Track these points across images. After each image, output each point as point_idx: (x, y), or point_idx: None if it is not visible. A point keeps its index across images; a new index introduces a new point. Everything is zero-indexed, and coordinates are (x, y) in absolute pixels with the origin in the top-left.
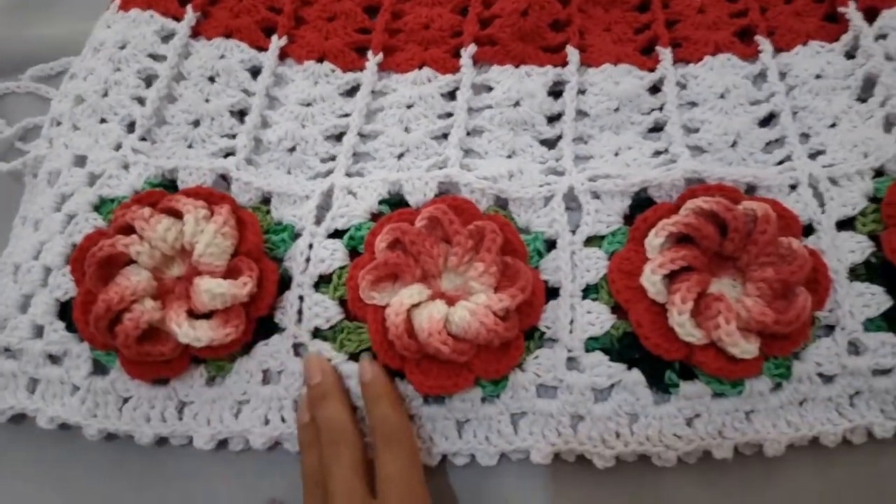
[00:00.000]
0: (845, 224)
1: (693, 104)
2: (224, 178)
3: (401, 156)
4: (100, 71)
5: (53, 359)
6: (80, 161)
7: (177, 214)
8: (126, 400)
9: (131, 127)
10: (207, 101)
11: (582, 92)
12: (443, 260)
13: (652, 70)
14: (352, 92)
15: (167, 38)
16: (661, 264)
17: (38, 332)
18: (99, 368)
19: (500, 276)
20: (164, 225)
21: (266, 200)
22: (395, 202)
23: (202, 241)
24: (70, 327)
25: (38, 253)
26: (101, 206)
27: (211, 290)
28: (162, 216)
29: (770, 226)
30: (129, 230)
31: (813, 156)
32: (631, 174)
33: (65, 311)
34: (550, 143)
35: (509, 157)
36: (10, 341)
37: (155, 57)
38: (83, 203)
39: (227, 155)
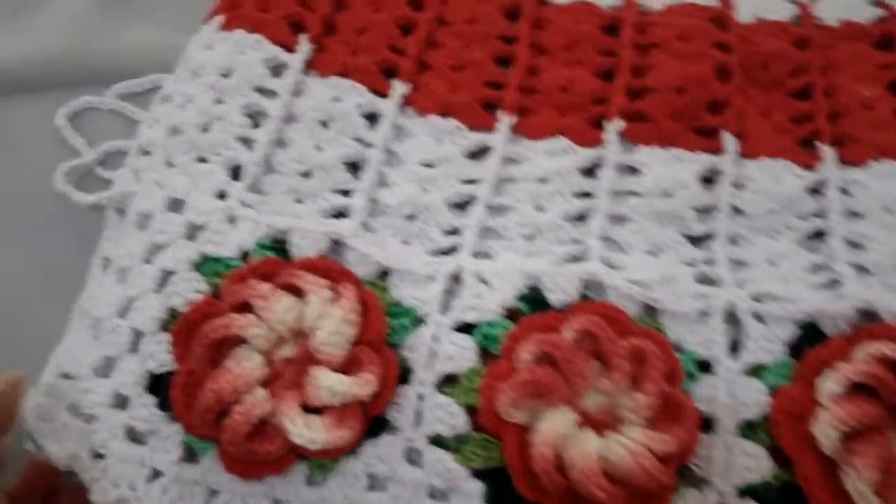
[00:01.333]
0: None
1: (857, 215)
2: (336, 241)
3: (531, 237)
4: (200, 101)
5: (134, 435)
6: (176, 205)
7: (296, 291)
8: (215, 493)
9: (234, 172)
10: (320, 149)
11: (737, 186)
12: (594, 380)
13: (812, 168)
14: (478, 154)
15: (277, 69)
16: (843, 420)
17: (120, 402)
18: (189, 454)
19: (658, 408)
20: (284, 305)
21: (383, 274)
22: (534, 299)
23: (325, 329)
24: (162, 404)
25: (124, 309)
26: (202, 264)
27: (332, 387)
28: (282, 294)
29: None
30: (244, 307)
31: None
32: (799, 298)
33: (157, 384)
34: (699, 241)
35: (653, 253)
36: (80, 401)
37: (263, 92)
38: (183, 261)
39: (338, 214)
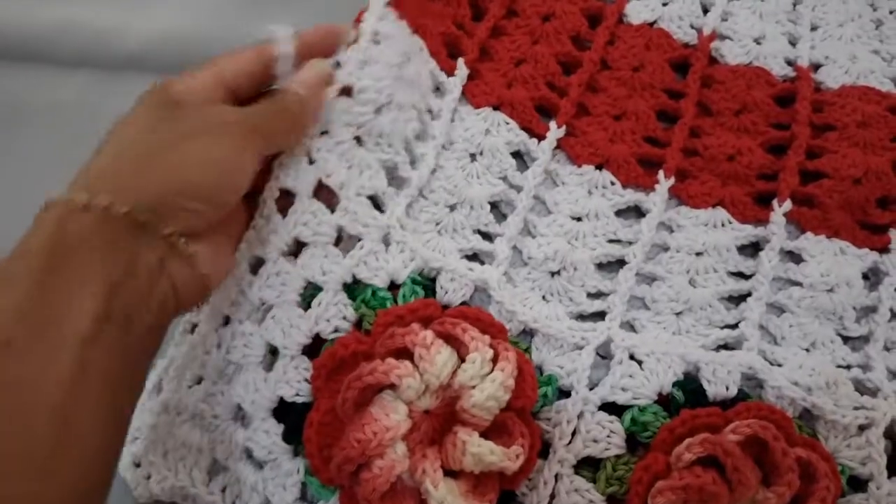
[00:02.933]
0: None
1: None
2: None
3: (681, 314)
4: (380, 72)
5: (252, 457)
6: (327, 196)
7: (454, 341)
8: None
9: (390, 174)
10: (468, 183)
11: None
12: (757, 491)
13: None
14: (629, 213)
15: (439, 89)
16: None
17: (242, 418)
18: (304, 495)
19: None
20: (443, 357)
21: (524, 332)
22: (691, 388)
23: (483, 392)
24: (288, 436)
25: (256, 312)
26: (352, 287)
27: (480, 455)
28: (441, 344)
29: None
30: (401, 353)
31: None
32: None
33: (285, 411)
34: (853, 342)
35: (809, 348)
36: (204, 409)
37: (427, 108)
38: (335, 280)
39: (475, 255)
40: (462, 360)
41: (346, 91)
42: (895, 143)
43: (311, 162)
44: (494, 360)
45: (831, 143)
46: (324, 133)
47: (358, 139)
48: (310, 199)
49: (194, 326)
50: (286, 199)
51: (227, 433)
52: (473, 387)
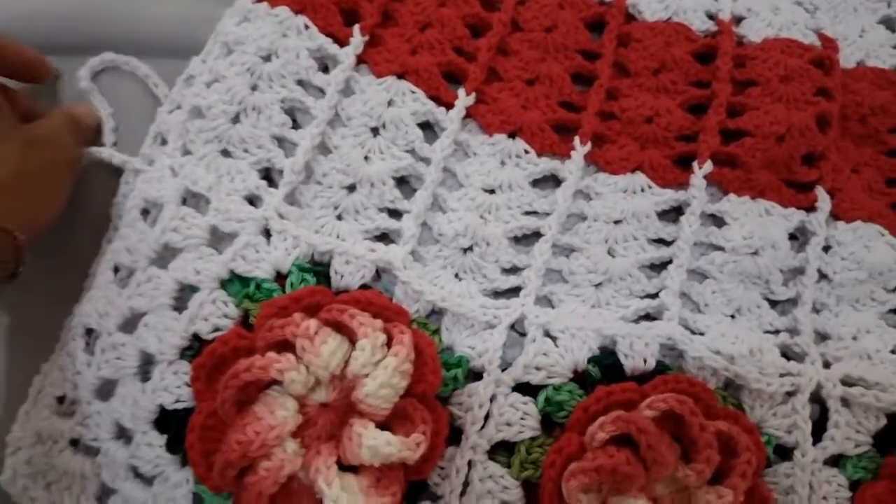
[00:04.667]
0: None
1: None
2: (378, 270)
3: (600, 285)
4: (231, 83)
5: (139, 474)
6: (195, 201)
7: (343, 329)
8: None
9: (266, 175)
10: (367, 159)
11: (826, 249)
12: (675, 468)
13: None
14: (545, 182)
15: (325, 63)
16: None
17: (124, 434)
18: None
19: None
20: (329, 347)
21: (433, 312)
22: (608, 363)
23: (375, 380)
24: (172, 445)
25: (127, 322)
26: (230, 282)
27: (376, 447)
28: (327, 333)
29: None
30: (282, 345)
31: None
32: (890, 385)
33: (166, 421)
34: (780, 306)
35: (733, 315)
36: (83, 434)
37: (306, 86)
38: (210, 277)
39: (383, 235)
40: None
41: (197, 111)
42: (819, 97)
43: (175, 175)
44: (390, 346)
45: (753, 99)
46: (187, 153)
47: (224, 151)
48: (178, 205)
49: None
50: (153, 211)
51: (110, 454)
52: (366, 375)
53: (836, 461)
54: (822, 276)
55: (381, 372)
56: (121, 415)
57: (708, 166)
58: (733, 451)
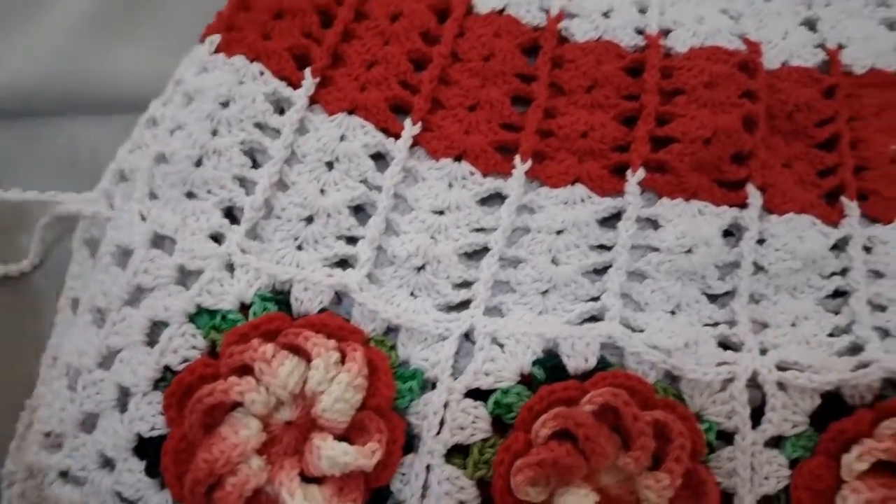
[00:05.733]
0: None
1: (880, 275)
2: (339, 293)
3: (546, 292)
4: (193, 129)
5: (124, 499)
6: (163, 243)
7: (301, 352)
8: None
9: (228, 214)
10: (323, 192)
11: (759, 242)
12: (615, 458)
13: (836, 225)
14: (491, 200)
15: (280, 105)
16: (871, 501)
17: (108, 463)
18: None
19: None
20: (286, 368)
21: (390, 330)
22: (552, 364)
23: (330, 395)
24: (151, 470)
25: (105, 359)
26: (198, 316)
27: (334, 457)
28: (285, 355)
29: None
30: (244, 369)
31: None
32: (823, 367)
33: (145, 447)
34: (720, 299)
35: (673, 312)
36: (71, 465)
37: (263, 128)
38: (178, 312)
39: (342, 261)
40: None
41: (162, 157)
42: (744, 99)
43: (144, 219)
44: (344, 363)
45: (680, 107)
46: (154, 197)
47: (188, 193)
48: (147, 249)
49: None
50: (124, 256)
51: (96, 483)
52: (322, 392)
53: (776, 442)
54: (759, 268)
55: (336, 387)
56: (103, 445)
57: (641, 173)
58: (668, 437)
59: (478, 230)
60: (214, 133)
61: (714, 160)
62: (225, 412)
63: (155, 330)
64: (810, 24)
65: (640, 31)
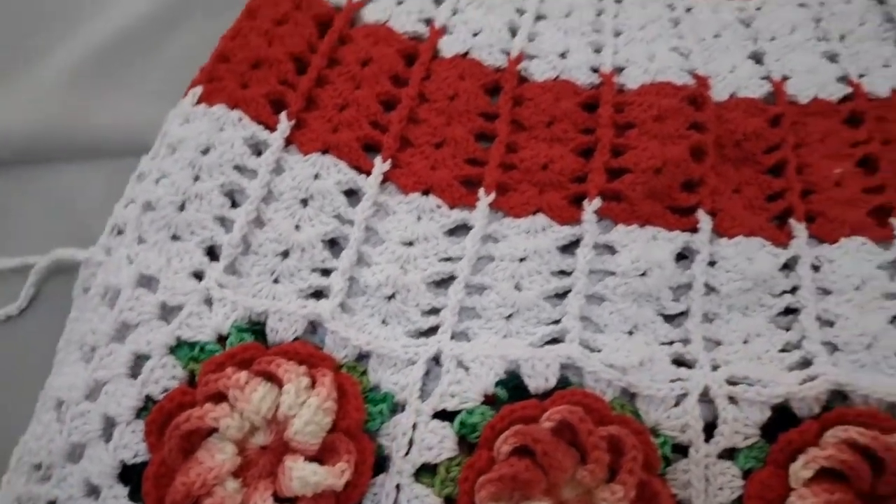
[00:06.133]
0: None
1: (827, 291)
2: (314, 322)
3: (510, 317)
4: (176, 177)
5: None
6: (148, 283)
7: (273, 378)
8: None
9: (210, 252)
10: (298, 228)
11: (711, 264)
12: (573, 472)
13: (784, 245)
14: (457, 231)
15: (257, 148)
16: None
17: (93, 491)
18: None
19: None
20: (259, 394)
21: (362, 357)
22: (513, 384)
23: (301, 419)
24: (134, 495)
25: (92, 391)
26: (178, 348)
27: (304, 478)
28: (258, 382)
29: None
30: (220, 396)
31: None
32: (772, 381)
33: (128, 474)
34: (674, 319)
35: (630, 332)
36: (58, 496)
37: (242, 170)
38: (159, 346)
39: (317, 293)
40: None
41: (149, 205)
42: (692, 131)
43: (131, 262)
44: (314, 388)
45: (632, 139)
46: (141, 242)
47: (173, 236)
48: (133, 289)
49: None
50: (112, 296)
51: None
52: (294, 415)
53: (729, 454)
54: (711, 288)
55: (306, 411)
56: (89, 473)
57: (597, 202)
58: (622, 451)
59: (445, 259)
60: (196, 178)
61: (665, 188)
62: (202, 438)
63: (138, 363)
64: (757, 58)
65: (595, 70)
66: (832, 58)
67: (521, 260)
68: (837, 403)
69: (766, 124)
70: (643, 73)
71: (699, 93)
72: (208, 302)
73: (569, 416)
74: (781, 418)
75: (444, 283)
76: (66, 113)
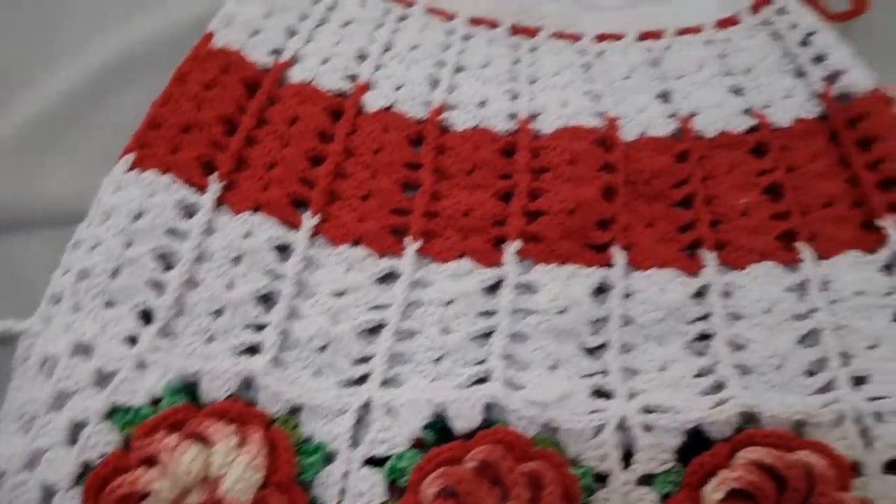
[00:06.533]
0: (894, 466)
1: (738, 316)
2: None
3: (439, 360)
4: (109, 244)
5: None
6: (83, 350)
7: (203, 438)
8: None
9: (144, 315)
10: (231, 286)
11: (627, 297)
12: None
13: (695, 274)
14: (386, 279)
15: (189, 210)
16: None
17: None
18: None
19: None
20: (189, 456)
21: (295, 410)
22: (440, 427)
23: (231, 477)
24: None
25: (31, 461)
26: (113, 413)
27: None
28: (188, 444)
29: (828, 487)
30: (151, 460)
31: (857, 381)
32: (685, 407)
33: None
34: (594, 352)
35: (553, 367)
36: None
37: (174, 233)
38: (95, 413)
39: (251, 348)
40: None
41: (84, 273)
42: (602, 172)
43: (67, 331)
44: (244, 446)
45: (547, 183)
46: (77, 310)
47: (107, 302)
48: (70, 357)
49: None
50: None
51: None
52: (224, 474)
53: (647, 480)
54: (628, 320)
55: (235, 469)
56: None
57: (517, 244)
58: (542, 486)
59: (375, 308)
60: (129, 245)
61: (580, 227)
62: (136, 502)
63: (76, 430)
64: (665, 97)
65: (512, 116)
66: (737, 92)
67: (448, 303)
68: (749, 425)
69: (674, 160)
70: (557, 119)
71: (609, 135)
72: (142, 366)
73: (490, 455)
74: (696, 441)
75: (374, 331)
76: (8, 182)
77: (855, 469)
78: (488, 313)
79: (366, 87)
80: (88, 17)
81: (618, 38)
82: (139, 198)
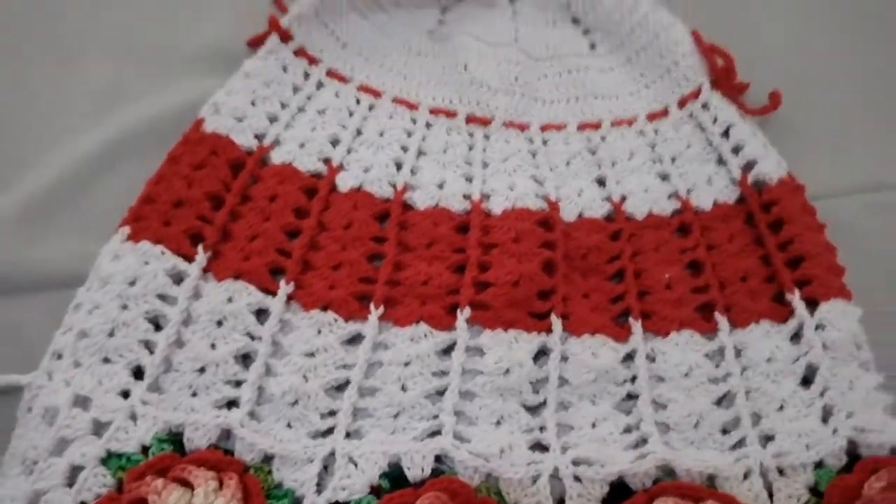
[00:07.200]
0: None
1: (661, 379)
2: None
3: (397, 415)
4: (106, 307)
5: None
6: (82, 402)
7: (186, 483)
8: None
9: (137, 371)
10: (213, 346)
11: (564, 360)
12: None
13: (625, 341)
14: (352, 341)
15: (178, 277)
16: None
17: None
18: None
19: None
20: (174, 498)
21: (268, 458)
22: (395, 475)
23: None
24: None
25: (33, 502)
26: (108, 459)
27: None
28: (173, 487)
29: None
30: (141, 502)
31: (764, 440)
32: (610, 461)
33: None
34: (535, 409)
35: (498, 423)
36: None
37: (164, 298)
38: (92, 458)
39: (230, 402)
40: None
41: (83, 333)
42: (543, 249)
43: (68, 385)
44: (221, 490)
45: (495, 257)
46: (77, 366)
47: (104, 359)
48: (69, 408)
49: None
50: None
51: None
52: None
53: None
54: (565, 381)
55: None
56: None
57: (468, 311)
58: None
59: (341, 367)
60: (124, 308)
61: (523, 298)
62: None
63: (74, 473)
64: (600, 182)
65: (467, 197)
66: (664, 178)
67: (406, 364)
68: (667, 477)
69: (608, 239)
70: (505, 200)
71: (550, 216)
72: (133, 417)
73: (436, 501)
74: (620, 491)
75: (340, 388)
76: (14, 249)
77: None
78: (442, 373)
79: (338, 169)
80: (88, 101)
81: (560, 127)
82: (134, 266)
